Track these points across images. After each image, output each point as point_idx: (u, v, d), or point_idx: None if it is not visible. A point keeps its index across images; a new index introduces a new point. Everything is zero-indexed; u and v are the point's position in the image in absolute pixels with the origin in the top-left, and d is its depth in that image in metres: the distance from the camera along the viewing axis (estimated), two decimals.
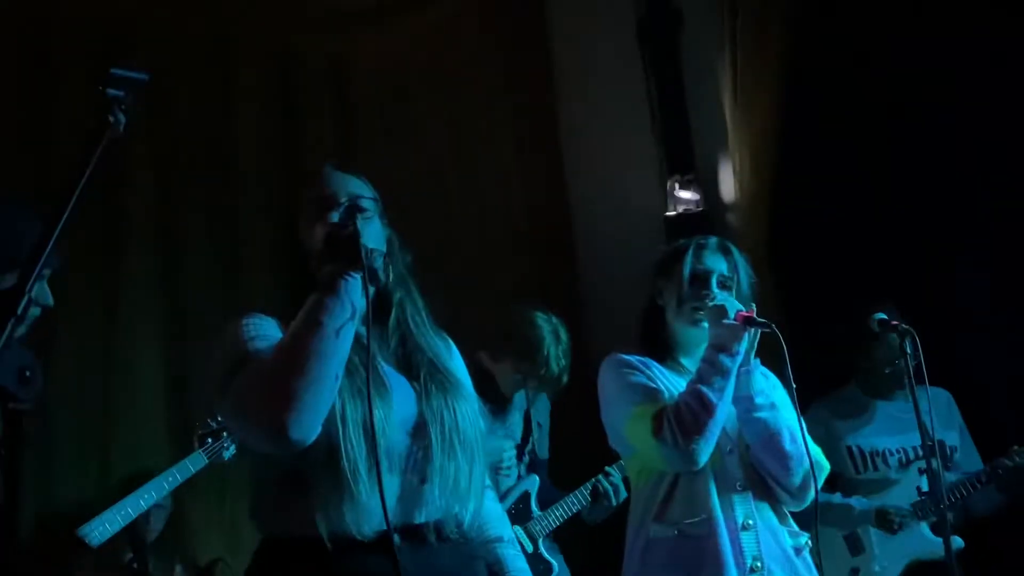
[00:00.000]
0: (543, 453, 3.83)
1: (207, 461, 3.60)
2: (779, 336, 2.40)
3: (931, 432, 2.70)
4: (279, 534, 1.93)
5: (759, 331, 2.47)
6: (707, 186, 4.86)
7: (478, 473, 1.99)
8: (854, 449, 3.71)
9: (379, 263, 1.90)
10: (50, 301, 1.97)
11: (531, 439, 3.76)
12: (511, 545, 2.20)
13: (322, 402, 1.79)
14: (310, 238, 2.00)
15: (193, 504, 4.08)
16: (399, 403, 1.93)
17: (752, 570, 2.41)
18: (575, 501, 3.65)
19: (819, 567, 2.48)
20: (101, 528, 3.38)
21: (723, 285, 2.56)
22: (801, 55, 4.42)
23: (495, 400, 3.55)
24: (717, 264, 2.58)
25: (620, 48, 5.02)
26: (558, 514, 3.65)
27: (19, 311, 1.39)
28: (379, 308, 1.99)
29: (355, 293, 1.87)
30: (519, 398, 3.71)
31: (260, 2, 4.67)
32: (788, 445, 2.46)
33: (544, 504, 3.69)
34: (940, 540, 2.69)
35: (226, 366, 1.86)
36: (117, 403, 4.14)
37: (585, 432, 3.08)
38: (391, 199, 2.14)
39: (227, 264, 4.47)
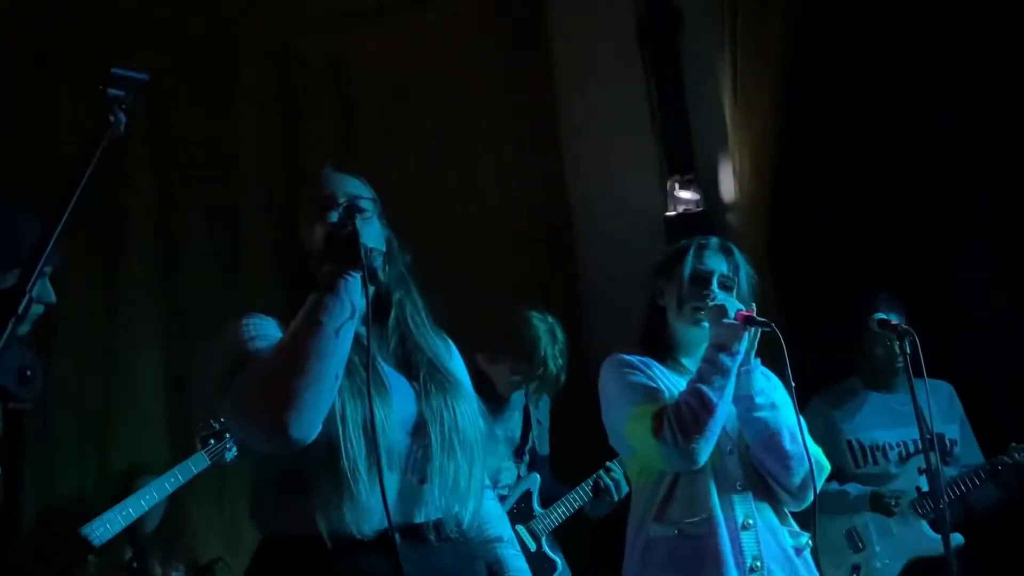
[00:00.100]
0: (543, 450, 3.84)
1: (209, 462, 3.61)
2: (779, 335, 2.40)
3: (930, 429, 2.69)
4: (279, 534, 1.93)
5: (759, 330, 2.47)
6: (707, 186, 4.86)
7: (477, 473, 2.00)
8: (854, 443, 3.72)
9: (378, 263, 1.91)
10: (53, 298, 1.97)
11: (531, 437, 3.76)
12: (511, 545, 2.21)
13: (322, 401, 1.80)
14: (309, 238, 2.00)
15: (193, 504, 4.08)
16: (399, 403, 1.93)
17: (752, 570, 2.41)
18: (577, 498, 3.66)
19: (818, 566, 2.48)
20: (102, 528, 3.38)
21: (724, 286, 2.57)
22: (801, 55, 4.42)
23: (492, 401, 3.55)
24: (718, 264, 2.58)
25: (620, 48, 5.02)
26: (560, 512, 3.66)
27: (20, 310, 1.39)
28: (378, 308, 1.99)
29: (355, 293, 1.87)
30: (518, 397, 3.71)
31: (260, 2, 4.67)
32: (788, 445, 2.46)
33: (547, 500, 3.70)
34: (940, 537, 2.69)
35: (226, 366, 1.87)
36: (117, 403, 4.14)
37: (586, 430, 3.08)
38: (391, 199, 2.14)
39: (227, 264, 4.47)
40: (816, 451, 2.57)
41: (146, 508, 3.50)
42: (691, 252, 2.59)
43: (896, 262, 4.13)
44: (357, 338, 1.90)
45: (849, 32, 4.38)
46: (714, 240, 2.65)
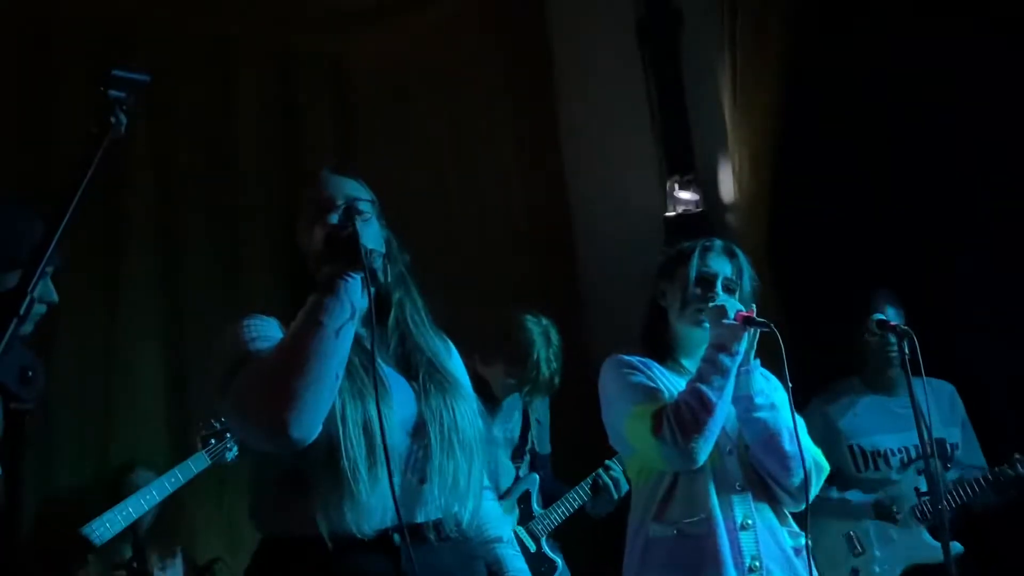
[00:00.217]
0: (544, 449, 3.84)
1: (210, 462, 3.61)
2: (778, 336, 2.40)
3: (930, 436, 2.69)
4: (279, 534, 1.93)
5: (758, 331, 2.48)
6: (707, 186, 4.86)
7: (477, 472, 2.00)
8: (855, 448, 3.70)
9: (378, 264, 1.92)
10: (55, 298, 1.97)
11: (530, 437, 3.77)
12: (510, 545, 2.22)
13: (322, 402, 1.80)
14: (309, 240, 2.01)
15: (192, 504, 4.08)
16: (399, 403, 1.94)
17: (751, 570, 2.42)
18: (576, 497, 3.66)
19: (810, 566, 2.48)
20: (103, 528, 3.39)
21: (728, 288, 2.57)
22: (801, 55, 4.42)
23: (488, 402, 3.55)
24: (722, 267, 2.59)
25: (620, 48, 5.02)
26: (560, 512, 3.66)
27: (21, 311, 1.39)
28: (378, 308, 1.99)
29: (354, 294, 1.88)
30: (516, 398, 3.71)
31: (260, 2, 4.66)
32: (788, 445, 2.46)
33: (549, 498, 3.70)
34: (939, 544, 2.69)
35: (227, 366, 1.87)
36: (117, 403, 4.15)
37: (586, 430, 3.09)
38: (391, 199, 2.14)
39: (227, 264, 4.47)
40: (816, 452, 2.58)
41: (147, 508, 3.51)
42: (696, 254, 2.60)
43: (896, 262, 4.13)
44: (357, 339, 1.91)
45: (849, 32, 4.38)
46: (718, 242, 2.65)
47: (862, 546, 3.63)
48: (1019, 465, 3.45)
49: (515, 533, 3.45)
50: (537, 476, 3.74)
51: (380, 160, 4.60)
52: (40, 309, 1.91)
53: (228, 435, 3.60)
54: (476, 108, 5.04)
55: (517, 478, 3.71)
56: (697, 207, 4.82)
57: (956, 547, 3.25)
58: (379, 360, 1.91)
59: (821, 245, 4.27)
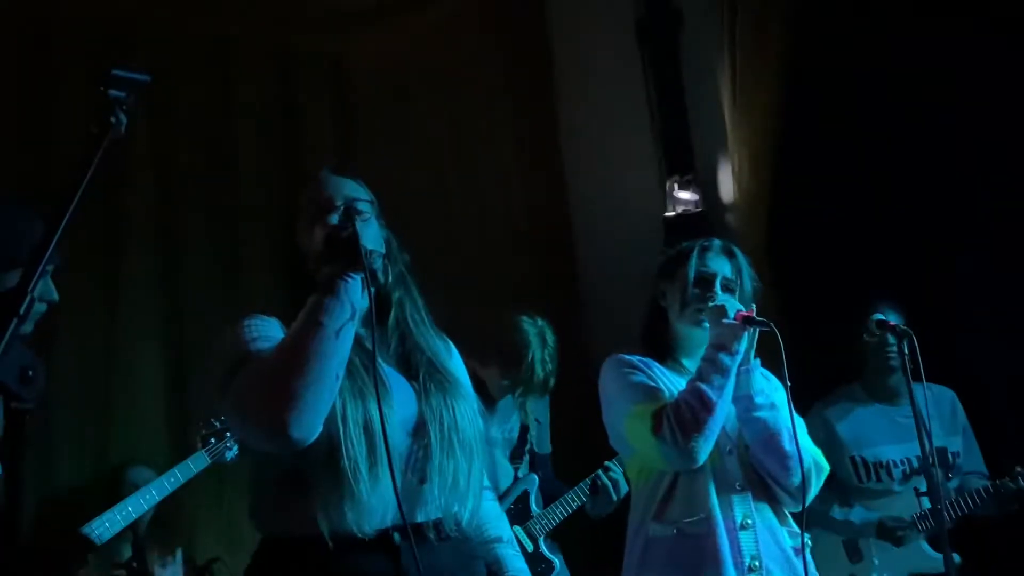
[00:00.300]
0: (544, 449, 3.84)
1: (209, 461, 3.61)
2: (778, 335, 2.40)
3: (931, 447, 2.68)
4: (279, 534, 1.93)
5: (758, 330, 2.48)
6: (706, 186, 4.86)
7: (477, 472, 2.00)
8: (857, 459, 3.67)
9: (378, 264, 1.92)
10: (55, 296, 1.98)
11: (529, 437, 3.77)
12: (510, 545, 2.22)
13: (323, 402, 1.80)
14: (309, 241, 2.01)
15: (191, 503, 4.08)
16: (399, 403, 1.94)
17: (750, 569, 2.42)
18: (575, 498, 3.66)
19: (805, 564, 2.48)
20: (102, 527, 3.39)
21: (727, 288, 2.57)
22: (801, 55, 4.42)
23: (486, 404, 3.55)
24: (721, 267, 2.59)
25: (620, 48, 5.02)
26: (558, 512, 3.66)
27: (22, 311, 1.39)
28: (378, 308, 1.99)
29: (354, 294, 1.88)
30: (516, 399, 3.71)
31: (260, 2, 4.67)
32: (788, 445, 2.46)
33: (550, 498, 3.70)
34: (939, 556, 2.68)
35: (227, 365, 1.88)
36: (117, 403, 4.15)
37: (586, 430, 3.09)
38: (391, 199, 2.14)
39: (227, 264, 4.47)
40: (816, 451, 2.58)
41: (146, 508, 3.51)
42: (695, 254, 2.60)
43: (896, 262, 4.13)
44: (358, 339, 1.91)
45: (849, 32, 4.38)
46: (717, 242, 2.65)
47: (860, 553, 3.63)
48: (1020, 479, 3.44)
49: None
50: (536, 477, 3.74)
51: (380, 160, 4.60)
52: (40, 308, 1.91)
53: (228, 434, 3.60)
54: (476, 108, 5.05)
55: (516, 479, 3.71)
56: (697, 207, 4.83)
57: (955, 558, 3.23)
58: (380, 360, 1.91)
59: (821, 245, 4.27)
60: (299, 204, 2.08)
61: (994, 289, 4.11)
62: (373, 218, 2.04)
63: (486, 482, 2.15)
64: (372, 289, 1.90)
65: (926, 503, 3.51)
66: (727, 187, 4.80)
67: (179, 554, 3.95)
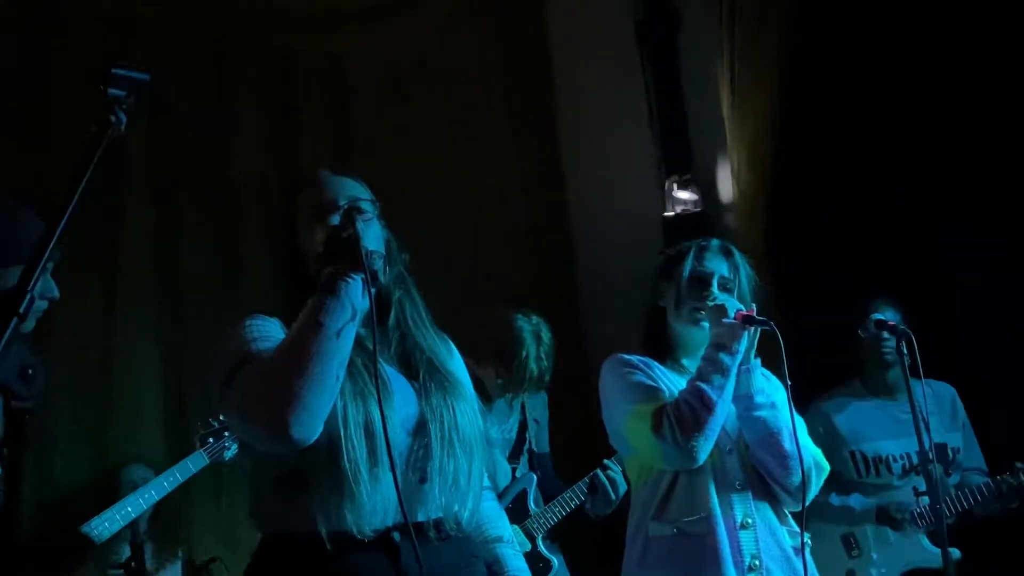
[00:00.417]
0: (542, 448, 3.84)
1: (208, 461, 3.61)
2: (778, 334, 2.41)
3: (930, 441, 2.68)
4: (279, 534, 1.93)
5: (759, 330, 2.48)
6: (705, 186, 4.86)
7: (477, 471, 2.00)
8: (857, 454, 3.67)
9: (379, 265, 1.92)
10: (56, 293, 1.98)
11: (527, 436, 3.76)
12: (510, 545, 2.21)
13: (323, 402, 1.80)
14: (309, 241, 2.01)
15: (190, 503, 4.09)
16: (400, 402, 1.94)
17: (750, 569, 2.42)
18: (573, 497, 3.65)
19: (805, 563, 2.48)
20: (102, 526, 3.39)
21: (724, 287, 2.57)
22: (799, 56, 4.42)
23: (484, 403, 3.55)
24: (718, 266, 2.59)
25: (620, 48, 5.03)
26: (556, 511, 3.65)
27: (21, 310, 1.39)
28: (379, 308, 1.99)
29: (355, 294, 1.88)
30: (511, 397, 3.71)
31: (260, 2, 4.67)
32: (788, 444, 2.46)
33: (549, 497, 3.70)
34: (938, 551, 2.69)
35: (228, 365, 1.87)
36: (116, 402, 4.15)
37: (585, 430, 3.09)
38: (390, 199, 2.14)
39: (227, 264, 4.47)
40: (816, 451, 2.58)
41: (145, 507, 3.51)
42: (691, 254, 2.61)
43: (896, 262, 4.13)
44: (358, 339, 1.91)
45: (849, 32, 4.38)
46: (714, 242, 2.66)
47: (859, 548, 3.63)
48: (1021, 474, 3.44)
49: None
50: (534, 476, 3.74)
51: (380, 160, 4.60)
52: (42, 305, 1.92)
53: (227, 434, 3.60)
54: (475, 108, 5.05)
55: (514, 478, 3.71)
56: (695, 207, 4.83)
57: (954, 553, 3.24)
58: (380, 360, 1.91)
59: (820, 245, 4.27)
60: (299, 204, 2.08)
61: (994, 289, 4.11)
62: (375, 218, 2.04)
63: (486, 481, 2.15)
64: (373, 290, 1.90)
65: (925, 502, 3.52)
66: (726, 187, 4.80)
67: (178, 553, 3.95)
